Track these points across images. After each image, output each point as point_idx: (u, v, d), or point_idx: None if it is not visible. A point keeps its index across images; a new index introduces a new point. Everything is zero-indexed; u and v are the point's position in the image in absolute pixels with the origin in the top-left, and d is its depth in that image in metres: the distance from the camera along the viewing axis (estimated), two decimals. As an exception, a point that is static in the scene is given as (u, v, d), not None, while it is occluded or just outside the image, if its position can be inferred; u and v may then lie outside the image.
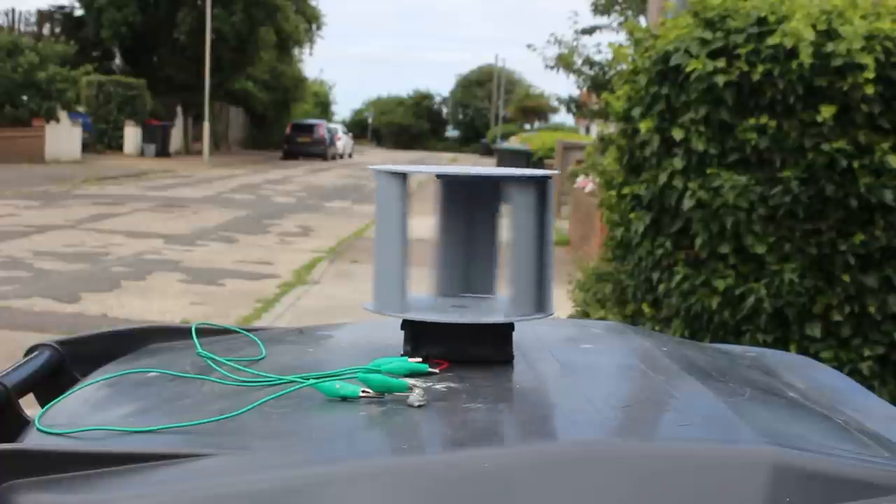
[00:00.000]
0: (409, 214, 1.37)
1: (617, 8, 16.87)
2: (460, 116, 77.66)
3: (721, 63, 4.37)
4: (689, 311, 4.54)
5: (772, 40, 4.29)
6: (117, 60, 37.94)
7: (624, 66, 5.34)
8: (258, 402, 1.16)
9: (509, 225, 1.38)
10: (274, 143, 46.66)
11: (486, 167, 1.48)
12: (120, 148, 33.15)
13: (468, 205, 1.48)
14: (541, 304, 1.38)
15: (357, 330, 1.70)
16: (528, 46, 14.11)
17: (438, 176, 1.44)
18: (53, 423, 1.15)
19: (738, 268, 4.44)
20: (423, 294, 1.49)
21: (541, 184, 1.37)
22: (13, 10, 44.81)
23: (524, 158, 20.47)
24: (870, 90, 4.17)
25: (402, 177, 1.36)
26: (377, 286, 1.38)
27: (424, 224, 1.74)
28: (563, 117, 54.83)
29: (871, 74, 4.16)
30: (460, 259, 1.49)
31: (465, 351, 1.36)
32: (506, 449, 1.06)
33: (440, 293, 1.49)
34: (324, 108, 64.95)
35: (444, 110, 79.42)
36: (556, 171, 1.47)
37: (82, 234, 13.06)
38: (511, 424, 1.17)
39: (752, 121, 4.33)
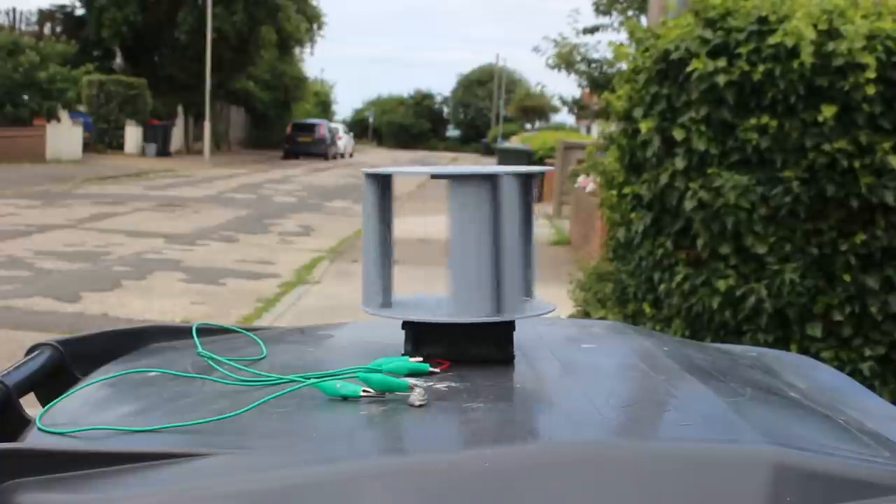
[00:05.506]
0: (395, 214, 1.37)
1: (618, 7, 16.86)
2: (461, 116, 77.57)
3: (722, 62, 4.37)
4: (689, 310, 4.54)
5: (773, 39, 4.28)
6: (118, 60, 37.95)
7: (624, 66, 5.34)
8: (259, 402, 1.16)
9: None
10: (275, 143, 46.66)
11: (483, 165, 1.48)
12: (121, 147, 33.15)
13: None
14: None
15: (358, 329, 1.69)
16: (535, 49, 14.13)
17: (433, 176, 1.44)
18: (54, 423, 1.15)
19: (739, 268, 4.44)
20: (425, 294, 1.49)
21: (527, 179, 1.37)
22: (14, 10, 44.95)
23: (525, 158, 20.46)
24: (871, 90, 4.17)
25: (387, 178, 1.36)
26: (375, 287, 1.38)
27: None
28: (564, 117, 54.86)
29: (872, 74, 4.16)
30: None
31: (466, 351, 1.36)
32: (506, 449, 1.06)
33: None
34: (324, 107, 64.92)
35: (445, 110, 79.32)
36: (551, 168, 1.47)
37: (83, 233, 13.06)
38: (512, 424, 1.17)
39: (753, 120, 4.33)
